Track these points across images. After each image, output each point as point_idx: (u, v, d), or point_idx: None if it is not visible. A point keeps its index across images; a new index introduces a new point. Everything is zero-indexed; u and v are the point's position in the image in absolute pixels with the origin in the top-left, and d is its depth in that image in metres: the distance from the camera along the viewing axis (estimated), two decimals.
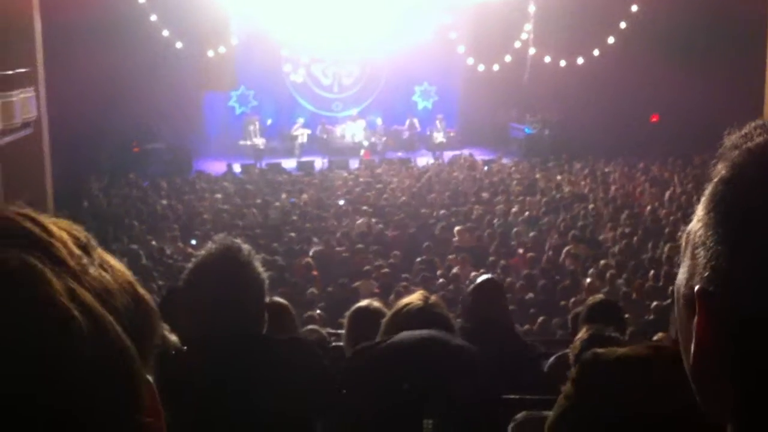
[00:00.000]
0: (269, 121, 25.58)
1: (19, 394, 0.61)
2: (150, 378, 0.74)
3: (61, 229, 0.73)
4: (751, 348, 0.71)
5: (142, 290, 0.76)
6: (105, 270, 0.73)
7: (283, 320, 4.15)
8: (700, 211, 0.79)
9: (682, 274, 0.81)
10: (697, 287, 0.76)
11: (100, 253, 0.75)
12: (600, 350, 2.72)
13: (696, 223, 0.80)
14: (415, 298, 3.17)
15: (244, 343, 2.59)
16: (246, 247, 2.76)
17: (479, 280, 5.48)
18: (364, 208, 17.33)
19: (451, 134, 26.09)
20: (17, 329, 0.62)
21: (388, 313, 3.30)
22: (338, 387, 2.92)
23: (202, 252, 2.74)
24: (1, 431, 0.60)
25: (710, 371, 0.75)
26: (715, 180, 0.78)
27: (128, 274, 0.76)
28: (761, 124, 0.79)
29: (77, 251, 0.71)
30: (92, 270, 0.71)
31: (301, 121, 25.47)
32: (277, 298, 4.56)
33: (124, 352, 0.68)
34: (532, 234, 15.14)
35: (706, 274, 0.75)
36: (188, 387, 2.25)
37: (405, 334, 2.86)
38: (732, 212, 0.75)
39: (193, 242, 14.17)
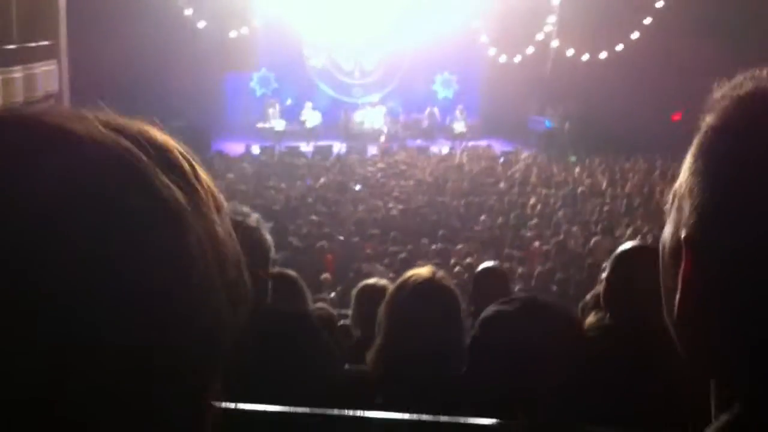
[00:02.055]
0: (288, 101, 25.51)
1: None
2: None
3: (206, 180, 0.71)
4: (740, 292, 0.71)
5: (246, 273, 0.73)
6: (227, 236, 0.70)
7: (294, 293, 4.14)
8: (687, 161, 0.79)
9: (667, 229, 0.81)
10: (683, 234, 0.76)
11: (227, 218, 0.72)
12: None
13: (682, 175, 0.80)
14: (421, 272, 3.12)
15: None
16: (255, 214, 2.74)
17: (482, 267, 5.61)
18: (381, 194, 17.30)
19: (471, 125, 25.99)
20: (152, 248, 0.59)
21: (394, 284, 3.26)
22: (337, 361, 2.90)
23: None
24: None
25: (696, 320, 0.75)
26: (704, 129, 0.78)
27: (240, 251, 0.72)
28: (751, 74, 0.78)
29: (213, 207, 0.70)
30: (220, 232, 0.68)
31: (308, 105, 25.33)
32: (288, 270, 4.54)
33: (220, 326, 0.65)
34: (548, 227, 15.10)
35: (692, 221, 0.75)
36: None
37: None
38: (721, 159, 0.75)
39: None
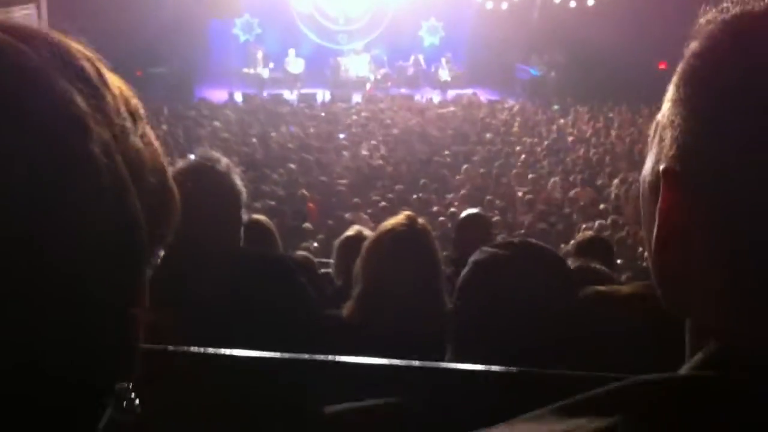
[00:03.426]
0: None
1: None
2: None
3: (117, 86, 0.68)
4: (720, 226, 0.67)
5: (171, 180, 0.71)
6: (145, 144, 0.68)
7: (266, 240, 4.12)
8: (669, 91, 0.74)
9: (648, 163, 0.76)
10: (662, 167, 0.71)
11: (145, 126, 0.70)
12: (601, 288, 2.65)
13: (665, 105, 0.74)
14: (399, 221, 3.08)
15: (215, 253, 2.57)
16: (225, 160, 2.73)
17: (465, 213, 5.58)
18: (365, 142, 17.24)
19: (457, 73, 25.80)
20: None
21: (371, 237, 3.22)
22: (312, 305, 2.90)
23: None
24: None
25: (673, 255, 0.71)
26: (687, 55, 0.73)
27: (163, 158, 0.70)
28: None
29: (125, 113, 0.67)
30: (132, 138, 0.66)
31: (292, 52, 25.03)
32: (259, 216, 4.52)
33: (137, 228, 0.63)
34: (531, 176, 15.12)
35: (672, 153, 0.70)
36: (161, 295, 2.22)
37: None
38: (703, 86, 0.69)
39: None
